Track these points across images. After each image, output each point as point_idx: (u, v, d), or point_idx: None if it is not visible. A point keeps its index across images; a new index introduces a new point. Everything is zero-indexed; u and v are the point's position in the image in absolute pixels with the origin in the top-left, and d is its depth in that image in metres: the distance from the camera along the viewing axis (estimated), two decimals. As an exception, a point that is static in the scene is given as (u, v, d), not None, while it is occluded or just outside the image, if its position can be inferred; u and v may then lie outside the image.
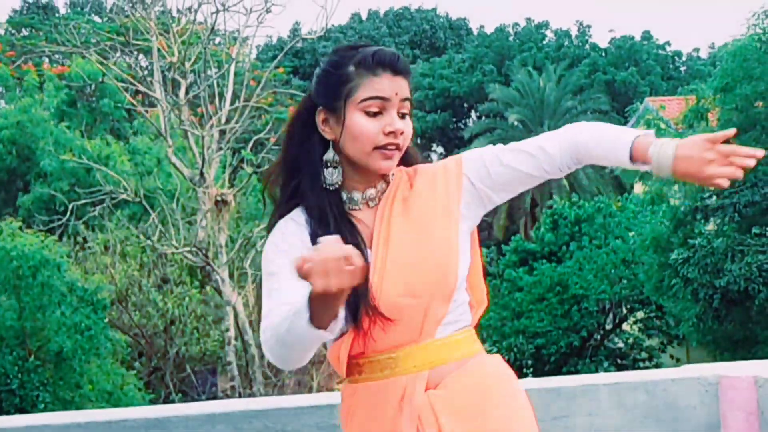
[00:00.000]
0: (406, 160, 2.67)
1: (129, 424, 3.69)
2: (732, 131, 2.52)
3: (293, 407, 3.78)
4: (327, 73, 2.58)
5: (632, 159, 2.52)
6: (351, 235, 2.51)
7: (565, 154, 2.59)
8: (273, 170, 2.70)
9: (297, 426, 3.73)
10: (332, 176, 2.57)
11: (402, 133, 2.54)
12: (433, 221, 2.57)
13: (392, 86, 2.54)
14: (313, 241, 2.44)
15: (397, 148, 2.55)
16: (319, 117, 2.58)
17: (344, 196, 2.60)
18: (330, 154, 2.57)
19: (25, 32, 44.51)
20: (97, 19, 41.29)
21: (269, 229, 2.65)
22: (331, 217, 2.54)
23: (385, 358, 2.53)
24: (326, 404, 3.76)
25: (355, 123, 2.52)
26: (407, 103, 2.57)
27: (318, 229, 2.53)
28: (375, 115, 2.53)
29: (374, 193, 2.61)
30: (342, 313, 2.33)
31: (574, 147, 2.59)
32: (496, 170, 2.62)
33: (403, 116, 2.56)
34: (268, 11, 17.60)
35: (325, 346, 2.62)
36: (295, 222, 2.58)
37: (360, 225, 2.57)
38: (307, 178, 2.59)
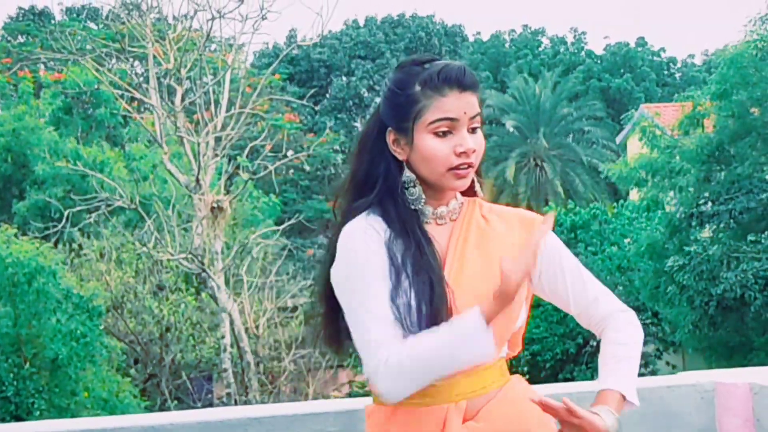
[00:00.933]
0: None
1: (124, 431, 3.69)
2: None
3: (289, 415, 3.76)
4: (393, 93, 2.53)
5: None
6: (430, 251, 2.50)
7: (599, 327, 2.70)
8: (343, 188, 2.65)
9: (293, 433, 3.72)
10: (414, 196, 2.54)
11: (474, 151, 2.49)
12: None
13: (460, 105, 2.48)
14: (390, 251, 2.47)
15: (470, 165, 2.50)
16: (390, 137, 2.54)
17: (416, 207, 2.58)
18: (407, 175, 2.54)
19: (21, 39, 44.49)
20: (92, 25, 41.27)
21: (338, 231, 2.57)
22: (412, 233, 2.51)
23: (429, 386, 2.47)
24: (322, 412, 3.74)
25: (426, 145, 2.48)
26: (478, 118, 2.51)
27: (397, 240, 2.50)
28: (445, 135, 2.48)
29: (445, 212, 2.58)
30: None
31: (604, 332, 2.69)
32: (563, 266, 2.65)
33: (473, 130, 2.51)
34: (263, 18, 17.65)
35: (353, 364, 2.58)
36: (375, 230, 2.53)
37: (434, 241, 2.54)
38: (386, 196, 2.54)
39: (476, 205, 2.63)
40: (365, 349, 2.43)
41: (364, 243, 2.50)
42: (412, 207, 2.54)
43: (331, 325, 2.66)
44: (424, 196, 2.55)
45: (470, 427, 2.49)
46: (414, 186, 2.54)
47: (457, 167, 2.48)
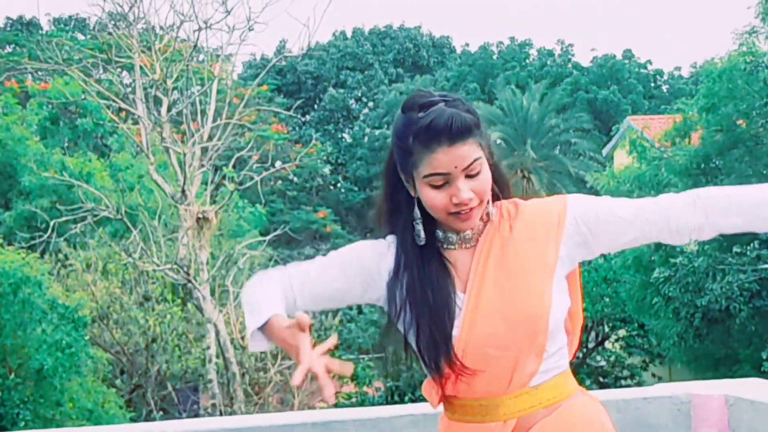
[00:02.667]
0: (500, 190, 2.66)
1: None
2: None
3: (275, 425, 3.78)
4: (395, 142, 2.56)
5: None
6: (441, 281, 2.53)
7: (695, 209, 2.57)
8: (380, 207, 2.70)
9: (275, 444, 3.73)
10: (419, 234, 2.57)
11: (471, 199, 2.48)
12: (528, 275, 2.53)
13: (450, 159, 2.46)
14: (395, 273, 2.57)
15: (472, 209, 2.51)
16: (402, 176, 2.57)
17: (440, 234, 2.59)
18: (417, 212, 2.57)
19: (8, 49, 44.46)
20: (80, 36, 41.29)
21: (380, 233, 2.68)
22: (419, 271, 2.55)
23: (476, 405, 2.55)
24: (308, 422, 3.75)
25: (425, 195, 2.50)
26: (476, 164, 2.49)
27: (407, 269, 2.57)
28: (441, 186, 2.48)
29: (471, 234, 2.58)
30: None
31: (707, 200, 2.58)
32: (605, 218, 2.60)
33: (472, 176, 2.49)
34: (250, 29, 17.66)
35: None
36: (389, 250, 2.62)
37: (453, 268, 2.56)
38: (399, 228, 2.60)
39: (505, 211, 2.63)
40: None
41: (362, 249, 2.65)
42: (418, 243, 2.58)
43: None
44: (423, 236, 2.57)
45: None
46: (418, 224, 2.57)
47: (457, 213, 2.50)
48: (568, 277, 2.63)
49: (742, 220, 2.56)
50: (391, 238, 2.62)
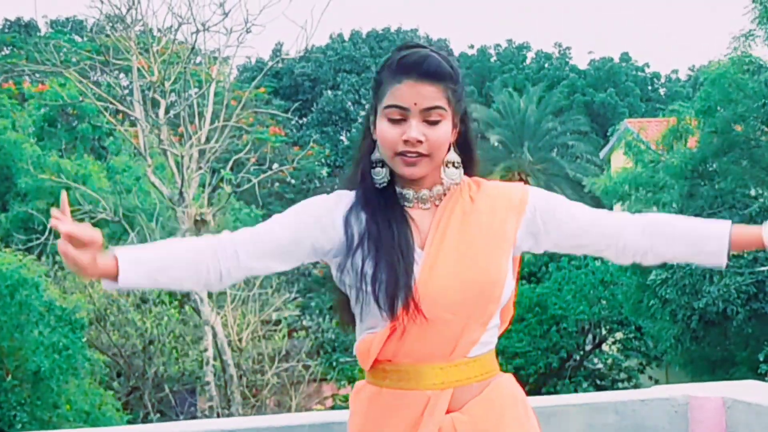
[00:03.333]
0: (465, 164, 2.65)
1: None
2: None
3: (273, 427, 3.78)
4: (374, 76, 2.60)
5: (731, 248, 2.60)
6: (402, 232, 2.52)
7: (639, 233, 2.64)
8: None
9: (272, 446, 3.73)
10: (379, 176, 2.57)
11: (421, 142, 2.48)
12: (488, 244, 2.55)
13: (411, 94, 2.48)
14: (347, 224, 2.53)
15: (421, 155, 2.50)
16: (372, 118, 2.59)
17: (398, 190, 2.59)
18: (376, 154, 2.58)
19: (6, 51, 44.41)
20: (77, 38, 41.26)
21: (338, 187, 2.67)
22: (380, 213, 2.53)
23: (413, 370, 2.52)
24: (306, 424, 3.76)
25: (380, 129, 2.52)
26: (437, 111, 2.49)
27: (359, 216, 2.54)
28: (398, 122, 2.49)
29: (427, 195, 2.58)
30: (378, 304, 2.45)
31: (655, 227, 2.65)
32: (561, 216, 2.64)
33: (432, 123, 2.49)
34: (248, 31, 17.62)
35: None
36: (343, 202, 2.59)
37: (412, 224, 2.56)
38: (360, 175, 2.60)
39: (466, 186, 2.64)
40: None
41: (314, 201, 2.61)
42: (377, 185, 2.57)
43: (344, 311, 2.69)
44: (388, 177, 2.57)
45: (455, 418, 2.52)
46: (382, 166, 2.57)
47: (403, 153, 2.49)
48: (514, 260, 2.66)
49: (687, 251, 2.65)
50: (340, 192, 2.62)
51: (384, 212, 2.53)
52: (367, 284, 2.47)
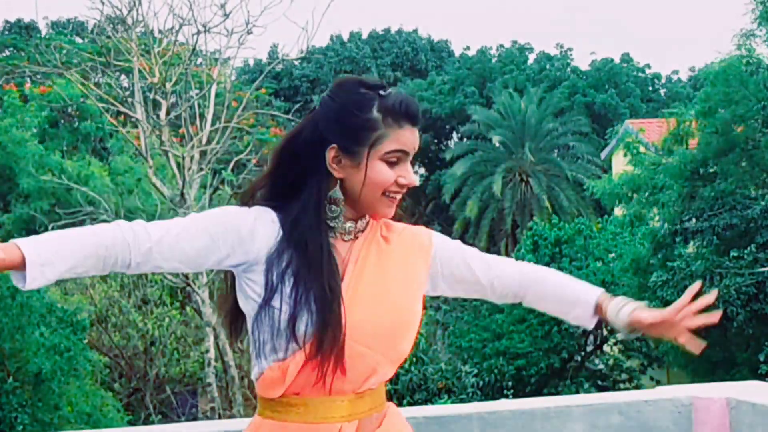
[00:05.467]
0: None
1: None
2: (694, 289, 2.75)
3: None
4: (348, 113, 2.51)
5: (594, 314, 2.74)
6: (329, 262, 2.50)
7: (516, 282, 2.77)
8: (258, 184, 2.63)
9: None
10: (335, 214, 2.54)
11: (412, 185, 2.56)
12: (403, 286, 2.58)
13: (413, 140, 2.54)
14: (280, 248, 2.47)
15: (401, 196, 2.58)
16: (330, 154, 2.51)
17: (332, 224, 2.57)
18: (338, 193, 2.53)
19: (7, 52, 44.46)
20: (78, 39, 41.26)
21: (241, 201, 2.60)
22: (313, 244, 2.49)
23: (322, 403, 2.50)
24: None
25: (377, 171, 2.50)
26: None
27: (289, 246, 2.49)
28: (394, 164, 2.52)
29: (352, 228, 2.58)
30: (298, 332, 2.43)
31: (529, 280, 2.78)
32: (457, 262, 2.72)
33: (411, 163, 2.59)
34: (249, 33, 17.67)
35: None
36: (273, 222, 2.52)
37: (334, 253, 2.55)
38: (309, 210, 2.51)
39: (379, 225, 2.65)
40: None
41: (234, 211, 2.54)
42: (330, 223, 2.54)
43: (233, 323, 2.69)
44: (342, 217, 2.56)
45: None
46: (338, 204, 2.54)
47: (391, 194, 2.53)
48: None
49: (555, 309, 2.82)
50: (264, 210, 2.55)
51: (318, 250, 2.49)
52: (290, 310, 2.45)
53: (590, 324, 2.75)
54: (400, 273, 2.59)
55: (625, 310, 2.67)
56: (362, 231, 2.61)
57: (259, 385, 2.57)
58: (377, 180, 2.51)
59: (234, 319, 2.64)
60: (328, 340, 2.43)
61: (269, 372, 2.51)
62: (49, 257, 2.35)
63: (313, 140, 2.54)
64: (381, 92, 2.52)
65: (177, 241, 2.46)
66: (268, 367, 2.51)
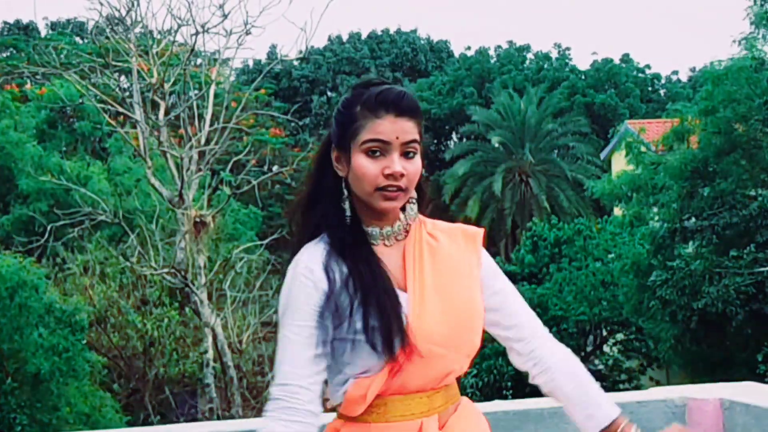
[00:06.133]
0: (419, 196, 2.69)
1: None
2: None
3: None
4: (339, 112, 2.59)
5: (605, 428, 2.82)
6: (381, 273, 2.53)
7: (558, 367, 2.84)
8: (296, 205, 2.70)
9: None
10: (347, 211, 2.58)
11: (403, 175, 2.51)
12: (461, 279, 2.61)
13: (393, 129, 2.51)
14: (327, 274, 2.51)
15: (400, 189, 2.53)
16: (333, 155, 2.59)
17: (364, 228, 2.60)
18: (346, 192, 2.58)
19: (6, 53, 44.49)
20: (78, 40, 41.27)
21: (292, 256, 2.61)
22: (357, 255, 2.53)
23: (402, 401, 2.55)
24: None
25: (358, 164, 2.51)
26: (414, 145, 2.54)
27: (338, 260, 2.53)
28: (377, 156, 2.51)
29: (391, 232, 2.60)
30: (373, 348, 2.46)
31: (555, 364, 2.84)
32: (493, 285, 2.71)
33: (408, 155, 2.54)
34: (247, 33, 17.65)
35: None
36: (315, 257, 2.55)
37: (383, 261, 2.57)
38: (329, 213, 2.59)
39: (421, 223, 2.67)
40: (276, 373, 2.58)
41: (299, 281, 2.54)
42: (347, 221, 2.57)
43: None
44: (350, 214, 2.58)
45: None
46: (345, 202, 2.58)
47: (384, 188, 2.51)
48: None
49: (574, 412, 2.89)
50: (303, 249, 2.58)
51: (358, 253, 2.54)
52: (358, 332, 2.49)
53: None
54: (457, 267, 2.62)
55: None
56: (404, 233, 2.63)
57: (344, 405, 2.60)
58: (359, 173, 2.52)
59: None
60: (399, 351, 2.48)
61: (353, 389, 2.55)
62: None
63: (325, 148, 2.64)
64: (372, 88, 2.55)
65: (310, 365, 2.54)
66: (352, 384, 2.56)
